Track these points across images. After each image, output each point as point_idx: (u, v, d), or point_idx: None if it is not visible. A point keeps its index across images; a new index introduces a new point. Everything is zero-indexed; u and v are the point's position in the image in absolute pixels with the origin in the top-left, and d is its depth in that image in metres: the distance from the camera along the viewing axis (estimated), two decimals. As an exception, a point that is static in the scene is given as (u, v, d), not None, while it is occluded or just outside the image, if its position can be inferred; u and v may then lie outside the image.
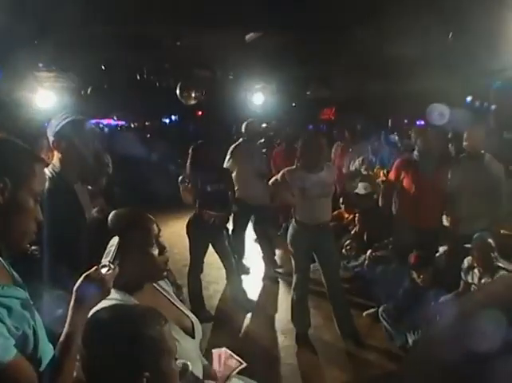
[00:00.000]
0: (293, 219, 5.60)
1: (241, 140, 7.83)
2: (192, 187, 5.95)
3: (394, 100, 13.00)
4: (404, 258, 5.81)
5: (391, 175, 6.12)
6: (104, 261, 1.89)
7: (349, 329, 5.65)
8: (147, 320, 1.68)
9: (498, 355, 0.56)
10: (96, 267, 1.86)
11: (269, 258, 8.12)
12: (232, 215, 7.29)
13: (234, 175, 7.12)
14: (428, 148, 5.90)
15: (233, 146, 7.71)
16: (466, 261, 5.33)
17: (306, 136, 5.64)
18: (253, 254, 8.50)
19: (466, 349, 0.58)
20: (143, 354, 1.61)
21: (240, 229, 7.84)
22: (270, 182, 5.82)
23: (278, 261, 8.28)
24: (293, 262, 5.65)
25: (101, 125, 20.77)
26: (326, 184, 5.43)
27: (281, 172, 5.57)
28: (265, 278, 7.75)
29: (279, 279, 7.65)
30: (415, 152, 6.03)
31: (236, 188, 6.99)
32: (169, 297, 2.40)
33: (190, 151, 6.14)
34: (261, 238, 8.12)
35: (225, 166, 7.34)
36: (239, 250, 7.79)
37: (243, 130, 7.78)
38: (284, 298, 6.86)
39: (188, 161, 6.11)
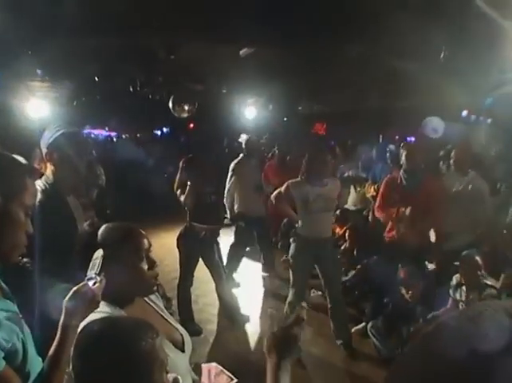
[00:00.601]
0: (295, 235, 5.64)
1: (241, 155, 8.03)
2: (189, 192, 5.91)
3: (385, 115, 13.06)
4: (393, 274, 5.86)
5: (380, 201, 6.13)
6: (90, 273, 1.90)
7: (346, 339, 5.74)
8: (140, 332, 1.68)
9: (504, 354, 0.57)
10: (84, 283, 1.87)
11: (269, 267, 8.37)
12: (235, 228, 7.87)
13: (236, 190, 7.57)
14: (413, 165, 5.93)
15: (234, 163, 7.91)
16: (455, 278, 5.36)
17: (311, 150, 5.68)
18: (244, 267, 8.54)
19: (471, 347, 0.59)
20: (135, 367, 1.60)
21: (242, 243, 8.02)
22: (273, 195, 5.84)
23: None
24: (291, 275, 5.67)
25: (92, 135, 20.72)
26: (330, 198, 5.49)
27: (285, 184, 5.62)
28: (256, 291, 7.78)
29: (270, 293, 7.66)
30: (402, 170, 6.06)
31: (238, 203, 7.53)
32: (159, 310, 2.40)
33: (181, 164, 6.12)
34: (264, 249, 8.32)
35: (228, 183, 7.66)
36: (234, 264, 7.96)
37: (243, 146, 8.06)
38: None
39: (178, 174, 6.09)
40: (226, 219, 7.76)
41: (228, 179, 7.79)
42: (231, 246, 7.94)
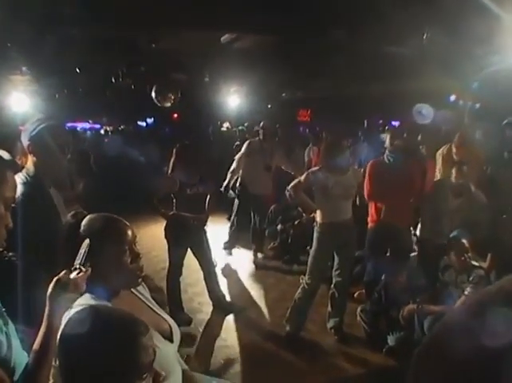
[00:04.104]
0: (316, 225, 5.64)
1: (256, 138, 8.80)
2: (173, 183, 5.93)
3: (370, 100, 13.08)
4: (379, 258, 5.92)
5: (367, 184, 6.13)
6: (76, 264, 1.89)
7: (337, 323, 5.80)
8: (128, 323, 1.65)
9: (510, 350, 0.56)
10: (65, 271, 1.85)
11: (259, 243, 8.78)
12: (236, 200, 8.71)
13: (243, 166, 8.51)
14: (396, 147, 6.03)
15: (249, 141, 8.81)
16: (443, 261, 5.38)
17: (329, 139, 5.75)
18: (233, 254, 8.59)
19: (478, 345, 0.58)
20: (123, 358, 1.57)
21: (242, 217, 8.72)
22: (292, 184, 5.85)
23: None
24: (310, 263, 5.69)
25: (78, 128, 20.64)
26: (349, 186, 5.53)
27: (305, 174, 5.69)
28: (245, 279, 7.81)
29: (259, 280, 7.68)
30: (387, 152, 6.15)
31: (244, 179, 8.51)
32: (146, 301, 2.38)
33: (174, 151, 6.09)
34: (257, 226, 8.73)
35: (238, 155, 8.64)
36: (232, 240, 8.89)
37: (259, 130, 8.77)
38: (264, 300, 6.87)
39: (172, 161, 6.06)
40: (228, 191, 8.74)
41: (239, 154, 8.59)
42: (238, 214, 8.80)
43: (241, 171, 8.56)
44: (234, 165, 8.50)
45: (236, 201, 8.75)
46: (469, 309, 0.66)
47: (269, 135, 8.56)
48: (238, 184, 8.60)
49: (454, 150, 6.76)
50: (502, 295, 0.65)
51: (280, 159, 8.62)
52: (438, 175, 6.86)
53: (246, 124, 12.52)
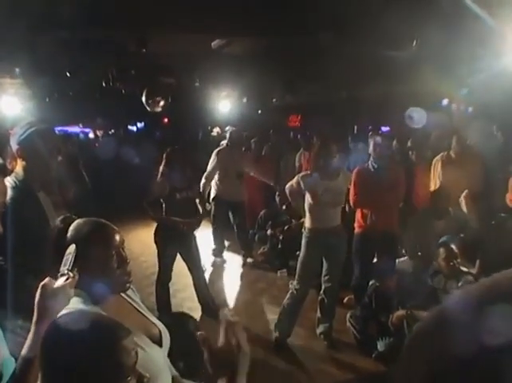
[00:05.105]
0: (305, 231, 5.63)
1: (225, 145, 8.78)
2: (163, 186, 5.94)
3: (360, 106, 13.10)
4: (365, 263, 5.94)
5: (352, 192, 6.12)
6: (63, 269, 1.87)
7: (326, 328, 5.78)
8: (110, 327, 1.64)
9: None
10: (49, 278, 1.83)
11: (247, 248, 8.79)
12: (212, 212, 8.45)
13: (216, 175, 8.35)
14: (380, 155, 6.04)
15: (217, 150, 8.61)
16: (432, 266, 5.40)
17: (320, 144, 5.74)
18: (223, 261, 8.60)
19: (479, 343, 0.57)
20: (104, 363, 1.56)
21: (220, 224, 8.67)
22: (286, 188, 5.86)
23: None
24: (298, 269, 5.68)
25: (69, 131, 20.56)
26: (338, 192, 5.52)
27: (296, 178, 5.67)
28: (234, 283, 7.83)
29: (248, 285, 7.69)
30: (371, 158, 6.15)
31: (216, 187, 8.26)
32: (135, 305, 2.37)
33: (164, 156, 6.10)
34: (240, 233, 8.73)
35: (209, 167, 8.28)
36: (219, 246, 8.81)
37: (227, 136, 8.73)
38: (253, 306, 6.86)
39: (162, 166, 6.06)
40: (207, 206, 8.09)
41: (209, 166, 8.38)
42: (213, 230, 8.69)
43: (214, 181, 8.43)
44: (203, 180, 8.21)
45: (212, 210, 8.58)
46: (466, 306, 0.65)
47: (236, 142, 8.57)
48: (212, 194, 8.51)
49: (453, 156, 6.81)
50: (503, 291, 0.64)
51: (248, 166, 8.62)
52: (437, 182, 6.90)
53: (227, 128, 12.56)
